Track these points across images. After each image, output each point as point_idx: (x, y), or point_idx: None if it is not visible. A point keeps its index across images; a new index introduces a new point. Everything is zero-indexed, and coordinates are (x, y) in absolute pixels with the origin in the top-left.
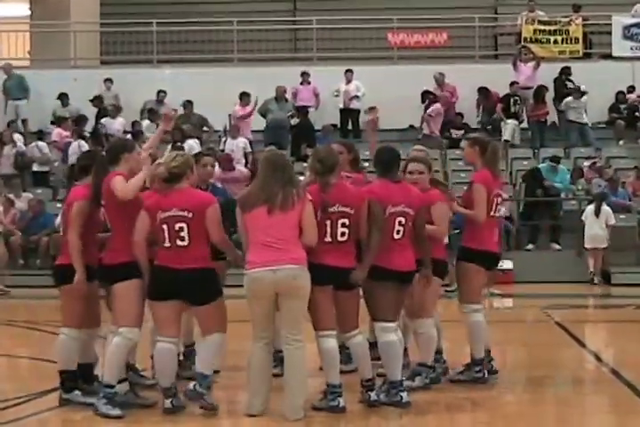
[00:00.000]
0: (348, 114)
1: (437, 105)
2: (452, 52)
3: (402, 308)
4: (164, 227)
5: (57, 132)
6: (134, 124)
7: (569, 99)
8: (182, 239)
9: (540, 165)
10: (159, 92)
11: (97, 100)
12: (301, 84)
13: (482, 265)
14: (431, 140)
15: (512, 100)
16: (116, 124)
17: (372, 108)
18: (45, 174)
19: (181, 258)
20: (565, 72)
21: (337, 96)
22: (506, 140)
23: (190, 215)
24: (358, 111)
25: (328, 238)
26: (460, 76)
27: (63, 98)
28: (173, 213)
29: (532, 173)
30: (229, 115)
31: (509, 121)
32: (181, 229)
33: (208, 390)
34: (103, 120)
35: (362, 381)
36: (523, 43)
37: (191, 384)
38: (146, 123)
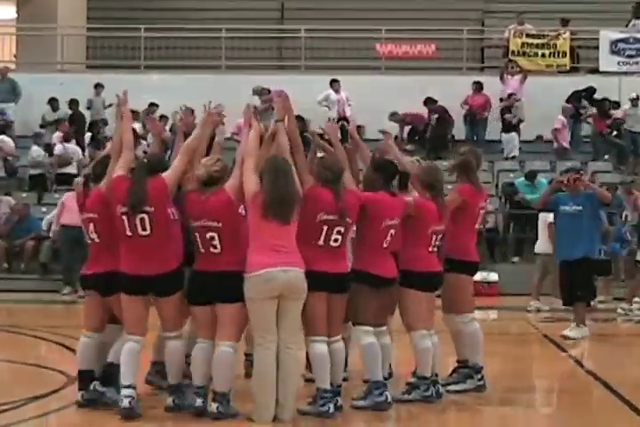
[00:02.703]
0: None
1: None
2: (439, 63)
3: (386, 313)
4: (197, 234)
5: (57, 136)
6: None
7: (626, 107)
8: (215, 247)
9: (518, 180)
10: (150, 104)
11: (73, 104)
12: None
13: (471, 275)
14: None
15: (510, 112)
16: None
17: (385, 132)
18: (40, 177)
19: (216, 263)
20: (589, 91)
21: (326, 106)
22: (513, 157)
23: (220, 225)
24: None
25: (321, 243)
26: (447, 88)
27: (53, 102)
28: (203, 224)
29: (509, 187)
30: None
31: (512, 135)
32: (213, 238)
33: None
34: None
35: (332, 386)
36: (510, 56)
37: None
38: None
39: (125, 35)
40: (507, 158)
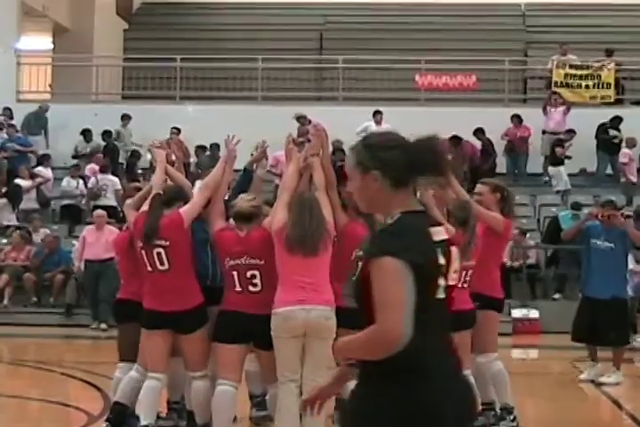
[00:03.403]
0: None
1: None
2: (480, 95)
3: None
4: (234, 273)
5: (90, 168)
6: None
7: None
8: (255, 286)
9: (562, 213)
10: (172, 128)
11: (106, 135)
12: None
13: (499, 312)
14: None
15: (563, 146)
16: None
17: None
18: (72, 209)
19: (255, 303)
20: (616, 121)
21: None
22: (558, 191)
23: (262, 262)
24: None
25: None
26: (489, 120)
27: (86, 133)
28: (244, 262)
29: (552, 221)
30: (251, 154)
31: (561, 168)
32: (254, 276)
33: None
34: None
35: None
36: (553, 87)
37: None
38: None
39: (161, 65)
40: (557, 192)
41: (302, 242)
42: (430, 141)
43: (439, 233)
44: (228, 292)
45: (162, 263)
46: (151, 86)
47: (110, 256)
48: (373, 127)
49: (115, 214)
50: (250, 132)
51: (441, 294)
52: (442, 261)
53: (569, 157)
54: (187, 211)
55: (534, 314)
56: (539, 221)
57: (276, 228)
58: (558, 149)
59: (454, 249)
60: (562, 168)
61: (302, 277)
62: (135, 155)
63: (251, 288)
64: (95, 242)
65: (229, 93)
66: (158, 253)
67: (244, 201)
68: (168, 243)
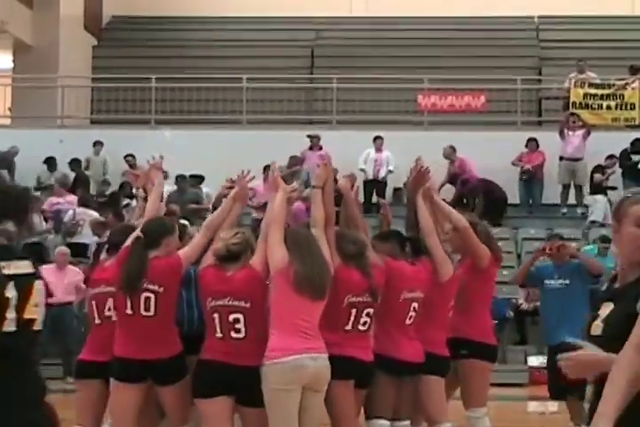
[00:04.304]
0: (374, 186)
1: None
2: (490, 117)
3: (409, 406)
4: (215, 316)
5: (50, 202)
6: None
7: None
8: (238, 331)
9: (586, 248)
10: (126, 156)
11: (74, 164)
12: (310, 148)
13: (493, 362)
14: None
15: (603, 173)
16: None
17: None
18: (36, 246)
19: (238, 352)
20: (638, 144)
21: (362, 170)
22: (592, 222)
23: (248, 305)
24: (386, 184)
25: (348, 327)
26: (499, 145)
27: (50, 162)
28: (227, 303)
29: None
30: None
31: (599, 197)
32: (237, 320)
33: None
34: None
35: None
36: (571, 109)
37: None
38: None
39: (134, 85)
40: (593, 222)
41: (312, 283)
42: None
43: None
44: (208, 338)
45: (147, 309)
46: (123, 109)
47: (70, 300)
48: (372, 154)
49: (86, 253)
50: (234, 160)
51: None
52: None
53: (613, 188)
54: (186, 254)
55: None
56: None
57: (279, 266)
58: (597, 176)
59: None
60: (600, 197)
61: (304, 322)
62: (107, 184)
63: (233, 334)
64: (56, 283)
65: (211, 117)
66: (147, 298)
67: (225, 239)
68: (162, 289)
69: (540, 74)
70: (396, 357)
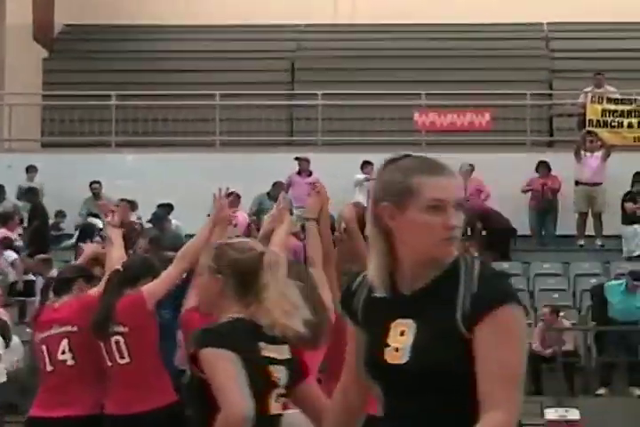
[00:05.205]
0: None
1: None
2: (495, 136)
3: None
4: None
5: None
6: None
7: None
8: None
9: (610, 283)
10: (92, 183)
11: (30, 193)
12: (298, 173)
13: None
14: None
15: (636, 199)
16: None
17: None
18: None
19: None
20: None
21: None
22: (630, 258)
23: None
24: None
25: None
26: (507, 168)
27: None
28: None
29: (597, 294)
30: (208, 215)
31: (637, 227)
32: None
33: None
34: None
35: None
36: (587, 127)
37: None
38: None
39: (91, 104)
40: (629, 259)
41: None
42: None
43: None
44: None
45: (122, 356)
46: (79, 131)
47: None
48: (366, 184)
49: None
50: (206, 187)
51: None
52: None
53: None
54: (152, 288)
55: (574, 415)
56: (574, 295)
57: None
58: (628, 205)
59: None
60: (637, 227)
61: None
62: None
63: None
64: None
65: (179, 138)
66: (117, 343)
67: None
68: (127, 329)
69: (550, 88)
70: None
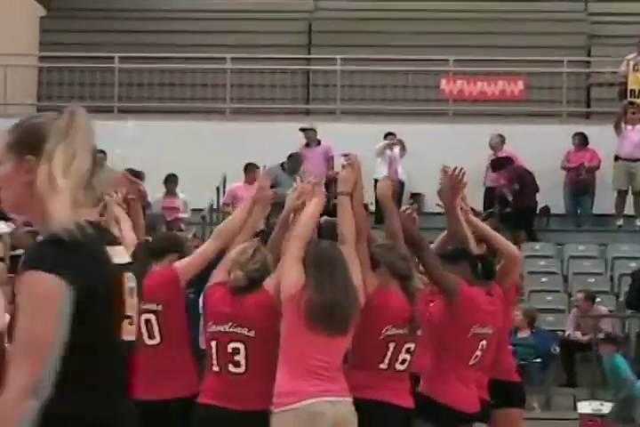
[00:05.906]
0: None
1: None
2: (529, 107)
3: None
4: (213, 343)
5: None
6: None
7: None
8: (237, 365)
9: None
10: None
11: None
12: (307, 145)
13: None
14: None
15: None
16: None
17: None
18: None
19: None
20: None
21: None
22: None
23: (252, 334)
24: (403, 184)
25: (384, 366)
26: (540, 141)
27: None
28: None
29: (637, 278)
30: (218, 188)
31: None
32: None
33: None
34: None
35: None
36: (629, 97)
37: None
38: None
39: (92, 66)
40: None
41: (330, 315)
42: None
43: None
44: (205, 375)
45: (151, 336)
46: (78, 95)
47: None
48: (388, 152)
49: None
50: (214, 158)
51: None
52: None
53: None
54: (186, 265)
55: (609, 409)
56: (612, 279)
57: (290, 292)
58: None
59: None
60: None
61: (319, 362)
62: None
63: (231, 368)
64: None
65: (186, 105)
66: (147, 322)
67: (240, 264)
68: (160, 307)
69: (589, 55)
70: (446, 403)
